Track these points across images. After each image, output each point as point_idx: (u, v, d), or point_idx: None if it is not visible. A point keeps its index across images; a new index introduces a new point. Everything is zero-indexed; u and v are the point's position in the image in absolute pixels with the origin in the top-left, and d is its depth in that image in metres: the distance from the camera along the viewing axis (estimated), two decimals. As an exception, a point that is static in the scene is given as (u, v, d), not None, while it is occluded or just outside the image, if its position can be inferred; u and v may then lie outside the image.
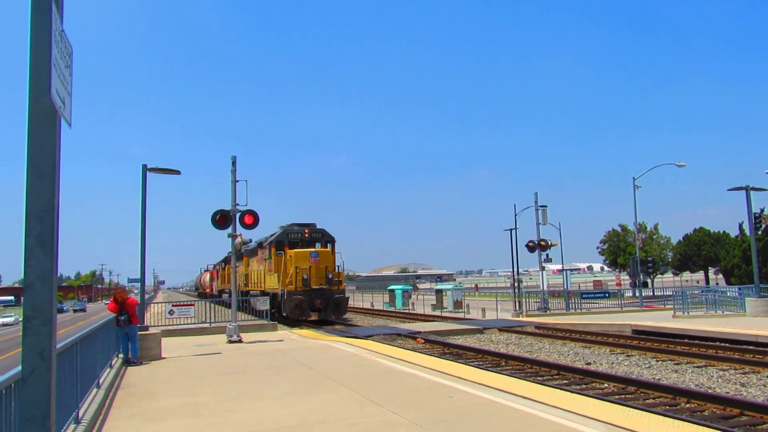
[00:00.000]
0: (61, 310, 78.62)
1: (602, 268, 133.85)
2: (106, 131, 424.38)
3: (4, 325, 66.42)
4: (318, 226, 30.58)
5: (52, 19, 3.61)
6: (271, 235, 31.12)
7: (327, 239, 30.11)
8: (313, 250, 28.40)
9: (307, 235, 29.67)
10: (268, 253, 30.62)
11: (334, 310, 27.80)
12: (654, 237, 67.16)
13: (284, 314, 26.26)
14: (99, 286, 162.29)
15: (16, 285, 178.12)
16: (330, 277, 27.81)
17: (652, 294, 47.07)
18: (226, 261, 46.88)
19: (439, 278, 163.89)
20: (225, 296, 42.66)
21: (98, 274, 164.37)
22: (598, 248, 73.30)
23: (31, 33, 3.56)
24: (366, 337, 19.84)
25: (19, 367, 3.84)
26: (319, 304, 27.30)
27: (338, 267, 29.23)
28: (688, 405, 9.71)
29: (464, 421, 7.06)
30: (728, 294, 27.74)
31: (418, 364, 11.87)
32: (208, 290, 62.39)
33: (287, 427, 7.07)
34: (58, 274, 3.94)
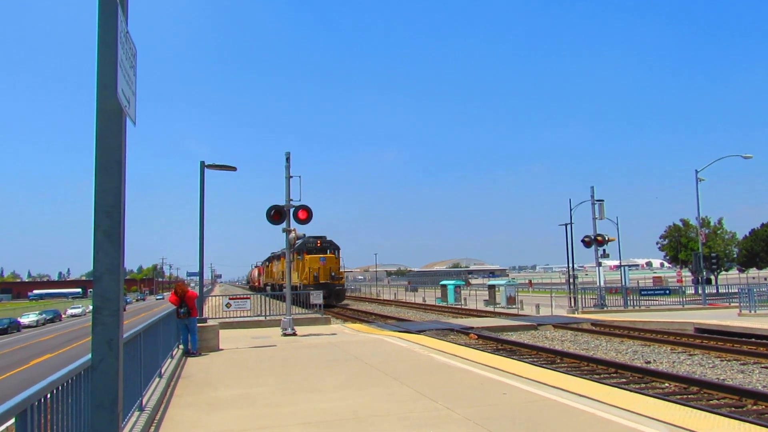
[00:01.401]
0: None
1: (662, 264, 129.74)
2: (166, 128, 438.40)
3: (73, 316, 69.80)
4: (328, 238, 42.74)
5: (118, 22, 3.74)
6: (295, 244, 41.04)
7: (334, 247, 42.55)
8: (322, 255, 40.84)
9: (319, 245, 41.71)
10: (293, 257, 39.50)
11: (335, 298, 39.95)
12: (718, 232, 64.37)
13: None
14: (160, 279, 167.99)
15: (83, 278, 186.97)
16: (333, 275, 40.47)
17: (715, 291, 45.15)
18: (269, 259, 57.71)
19: (492, 274, 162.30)
20: (268, 289, 51.00)
21: (159, 267, 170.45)
22: (657, 244, 70.94)
23: (98, 35, 3.71)
24: (418, 332, 19.85)
25: (89, 356, 4.02)
26: (325, 294, 37.59)
27: (341, 267, 42.36)
28: (755, 407, 9.32)
29: (519, 417, 6.98)
30: (799, 292, 26.37)
31: (471, 359, 11.80)
32: (257, 284, 70.96)
33: (341, 419, 7.15)
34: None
